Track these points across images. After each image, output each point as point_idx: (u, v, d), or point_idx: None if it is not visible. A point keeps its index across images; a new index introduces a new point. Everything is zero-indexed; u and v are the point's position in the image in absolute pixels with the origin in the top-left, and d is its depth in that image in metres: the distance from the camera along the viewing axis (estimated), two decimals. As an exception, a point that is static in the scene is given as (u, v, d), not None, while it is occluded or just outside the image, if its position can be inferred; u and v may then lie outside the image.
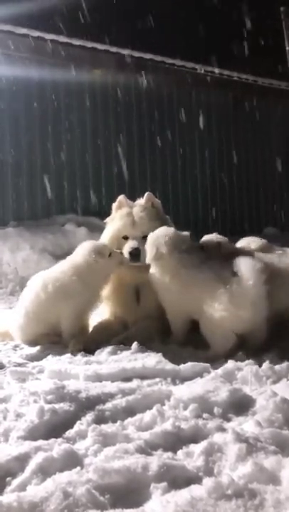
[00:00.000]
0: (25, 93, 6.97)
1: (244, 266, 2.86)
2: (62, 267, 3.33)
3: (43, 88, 7.15)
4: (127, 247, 3.27)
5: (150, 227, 3.27)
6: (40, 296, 3.23)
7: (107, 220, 3.51)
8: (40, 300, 3.23)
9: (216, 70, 9.06)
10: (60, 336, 3.27)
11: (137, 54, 8.09)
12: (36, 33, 7.01)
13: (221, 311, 2.83)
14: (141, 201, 3.50)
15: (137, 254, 3.23)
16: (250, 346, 2.90)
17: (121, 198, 3.47)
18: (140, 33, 8.16)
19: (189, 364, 2.63)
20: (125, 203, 3.45)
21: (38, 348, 3.15)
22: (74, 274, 3.22)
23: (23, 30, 6.92)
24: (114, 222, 3.40)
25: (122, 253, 3.29)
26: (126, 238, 3.33)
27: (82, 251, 3.30)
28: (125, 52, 7.96)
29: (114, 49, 7.84)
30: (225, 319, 2.83)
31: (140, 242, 3.26)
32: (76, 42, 7.42)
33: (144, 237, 3.24)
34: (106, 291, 3.37)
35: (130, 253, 3.24)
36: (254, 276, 2.80)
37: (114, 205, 3.48)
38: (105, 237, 3.43)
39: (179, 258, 3.07)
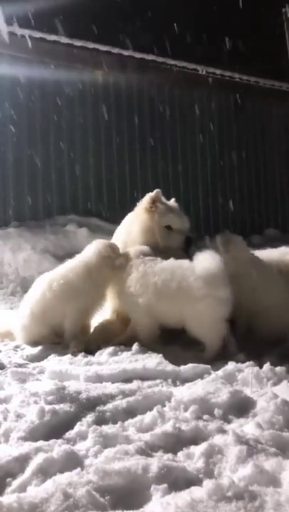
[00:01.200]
0: (26, 94, 6.98)
1: (201, 255, 2.99)
2: (72, 266, 3.34)
3: (44, 89, 7.15)
4: (181, 236, 3.53)
5: (188, 225, 3.68)
6: (46, 295, 3.23)
7: (140, 208, 3.62)
8: (46, 300, 3.23)
9: (218, 71, 9.06)
10: (61, 336, 3.28)
11: (138, 55, 8.09)
12: (38, 34, 7.02)
13: (202, 298, 2.87)
14: (172, 202, 3.80)
15: (191, 241, 3.55)
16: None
17: (159, 191, 3.67)
18: (142, 34, 8.16)
19: (190, 365, 2.63)
20: (161, 197, 3.67)
21: (38, 348, 3.15)
22: (84, 272, 3.24)
23: (25, 31, 6.92)
24: (162, 212, 3.58)
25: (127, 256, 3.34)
26: (168, 228, 3.56)
27: (95, 249, 3.33)
28: (127, 53, 7.97)
29: (115, 50, 7.84)
30: (211, 305, 2.86)
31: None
32: (77, 43, 7.42)
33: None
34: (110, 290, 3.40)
35: (187, 239, 3.53)
36: (218, 260, 2.92)
37: (152, 196, 3.62)
38: (145, 224, 3.54)
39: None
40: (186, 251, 3.51)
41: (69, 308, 3.22)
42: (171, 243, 3.52)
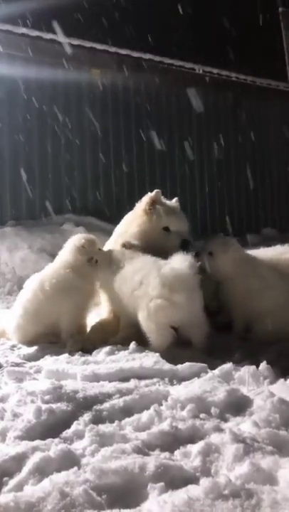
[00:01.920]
0: (23, 93, 6.96)
1: (177, 256, 3.00)
2: (58, 264, 3.37)
3: (41, 88, 7.14)
4: (178, 239, 3.50)
5: (187, 225, 3.66)
6: (38, 295, 3.23)
7: (139, 209, 3.61)
8: (38, 300, 3.23)
9: (215, 71, 9.07)
10: (58, 335, 3.28)
11: (135, 54, 8.09)
12: (35, 33, 7.01)
13: (155, 298, 2.85)
14: (172, 202, 3.77)
15: (188, 243, 3.50)
16: (194, 343, 2.95)
17: (159, 192, 3.64)
18: (139, 33, 8.15)
19: (187, 364, 2.63)
20: (160, 198, 3.64)
21: (35, 348, 3.15)
22: (68, 268, 3.29)
23: (22, 30, 6.91)
24: (159, 213, 3.55)
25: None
26: (166, 230, 3.54)
27: (71, 242, 3.42)
28: (124, 52, 7.96)
29: (112, 49, 7.84)
30: (160, 307, 2.83)
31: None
32: (74, 42, 7.41)
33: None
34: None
35: (184, 242, 3.47)
36: (187, 264, 2.90)
37: (151, 197, 3.59)
38: (143, 225, 3.53)
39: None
40: (185, 250, 3.48)
41: (63, 307, 3.22)
42: (169, 244, 3.47)
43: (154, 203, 3.58)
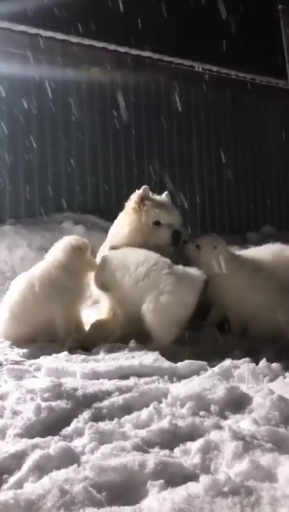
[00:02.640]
0: (22, 91, 6.95)
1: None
2: (49, 264, 3.36)
3: (40, 86, 7.12)
4: (169, 230, 3.45)
5: (178, 218, 3.61)
6: (27, 297, 3.22)
7: (129, 207, 3.59)
8: (28, 301, 3.22)
9: (214, 68, 9.05)
10: (55, 334, 3.28)
11: (134, 52, 8.07)
12: (33, 30, 6.99)
13: (167, 293, 2.91)
14: (162, 197, 3.74)
15: (179, 236, 3.46)
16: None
17: (147, 188, 3.61)
18: (138, 31, 8.13)
19: (186, 362, 2.63)
20: (149, 194, 3.62)
21: (35, 346, 3.15)
22: (62, 268, 3.29)
23: (21, 28, 6.89)
24: (148, 209, 3.52)
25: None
26: (157, 224, 3.50)
27: (66, 243, 3.43)
28: (123, 50, 7.94)
29: (111, 47, 7.82)
30: (171, 303, 2.90)
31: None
32: (73, 39, 7.39)
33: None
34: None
35: (174, 235, 3.44)
36: (198, 271, 3.02)
37: (139, 194, 3.57)
38: (133, 223, 3.51)
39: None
40: (176, 245, 3.44)
41: (55, 307, 3.22)
42: (160, 238, 3.44)
43: (142, 199, 3.55)
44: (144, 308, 2.95)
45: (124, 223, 3.57)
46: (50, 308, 3.22)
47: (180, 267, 3.06)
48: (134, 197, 3.58)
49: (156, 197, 3.70)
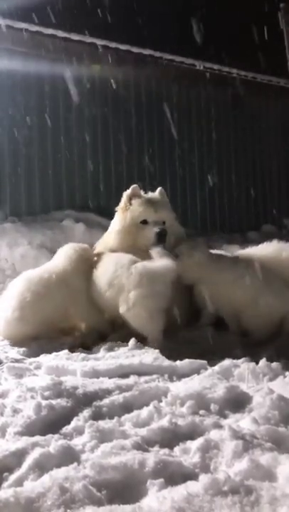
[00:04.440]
0: (23, 88, 6.94)
1: (156, 252, 3.12)
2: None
3: (41, 83, 7.12)
4: (154, 229, 3.37)
5: (169, 215, 3.51)
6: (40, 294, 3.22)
7: (118, 208, 3.57)
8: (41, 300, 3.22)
9: (215, 67, 9.03)
10: (57, 332, 3.28)
11: (135, 50, 8.05)
12: (35, 28, 6.97)
13: (133, 289, 2.94)
14: (154, 193, 3.64)
15: (164, 234, 3.34)
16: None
17: (135, 187, 3.55)
18: (139, 29, 8.11)
19: (186, 361, 2.63)
20: (139, 192, 3.55)
21: (35, 344, 3.15)
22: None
23: (22, 25, 6.87)
24: (134, 208, 3.46)
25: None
26: (144, 223, 3.42)
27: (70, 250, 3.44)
28: (124, 47, 7.93)
29: (113, 44, 7.80)
30: (140, 295, 2.93)
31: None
32: (75, 37, 7.38)
33: (163, 223, 3.44)
34: None
35: (159, 233, 3.34)
36: (166, 259, 3.04)
37: (127, 194, 3.54)
38: (120, 224, 3.48)
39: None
40: (161, 244, 3.33)
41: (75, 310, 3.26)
42: (146, 238, 3.36)
43: (130, 198, 3.50)
44: (121, 311, 3.00)
45: (114, 223, 3.55)
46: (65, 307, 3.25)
47: (144, 263, 3.04)
48: (123, 197, 3.54)
49: (147, 195, 3.61)
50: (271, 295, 3.16)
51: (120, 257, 3.18)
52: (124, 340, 3.00)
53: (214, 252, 3.57)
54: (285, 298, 3.22)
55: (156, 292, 2.94)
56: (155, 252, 3.16)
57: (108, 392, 2.24)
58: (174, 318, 3.20)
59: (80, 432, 1.91)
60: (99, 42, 7.62)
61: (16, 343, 3.22)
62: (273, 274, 3.32)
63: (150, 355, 2.70)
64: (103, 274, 3.15)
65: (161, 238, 3.34)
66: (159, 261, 3.07)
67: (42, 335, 3.22)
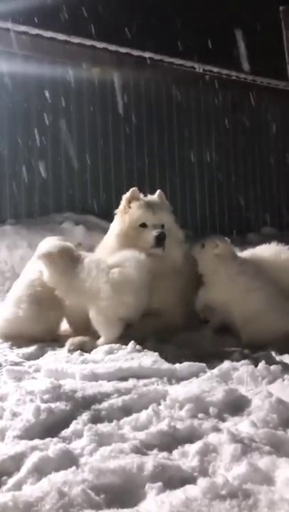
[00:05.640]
0: (23, 91, 6.96)
1: (127, 256, 3.10)
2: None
3: (41, 86, 7.14)
4: (152, 232, 3.35)
5: (168, 217, 3.50)
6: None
7: (118, 211, 3.56)
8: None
9: (215, 70, 9.06)
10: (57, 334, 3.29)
11: (135, 52, 8.08)
12: (35, 31, 7.00)
13: (106, 299, 2.99)
14: (153, 196, 3.63)
15: (163, 238, 3.33)
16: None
17: (134, 190, 3.54)
18: (139, 32, 8.14)
19: (185, 364, 2.63)
20: (138, 195, 3.53)
21: (34, 346, 3.16)
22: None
23: (22, 28, 6.90)
24: (132, 211, 3.45)
25: None
26: (143, 226, 3.41)
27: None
28: (124, 50, 7.95)
29: (113, 47, 7.82)
30: (110, 306, 2.99)
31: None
32: (75, 40, 7.40)
33: (162, 226, 3.42)
34: None
35: (157, 237, 3.33)
36: (136, 266, 3.03)
37: (126, 197, 3.53)
38: (118, 227, 3.47)
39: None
40: (160, 247, 3.34)
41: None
42: (144, 241, 3.34)
43: (129, 201, 3.48)
44: (90, 313, 3.10)
45: (113, 226, 3.55)
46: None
47: (116, 270, 3.05)
48: (122, 200, 3.53)
49: (146, 197, 3.60)
50: (276, 314, 3.16)
51: (99, 261, 3.19)
52: (123, 343, 2.99)
53: (241, 255, 3.55)
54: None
55: (123, 303, 3.01)
56: (128, 256, 3.15)
57: (107, 396, 2.23)
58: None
59: (78, 435, 1.91)
60: (99, 45, 7.64)
61: (15, 345, 3.23)
62: (280, 290, 3.32)
63: (149, 358, 2.70)
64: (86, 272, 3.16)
65: (159, 242, 3.33)
66: (132, 267, 3.07)
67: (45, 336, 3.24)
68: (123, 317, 3.07)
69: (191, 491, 1.53)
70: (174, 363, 2.66)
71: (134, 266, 3.04)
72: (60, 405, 2.10)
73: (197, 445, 1.80)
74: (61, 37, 7.29)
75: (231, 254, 3.41)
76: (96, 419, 2.04)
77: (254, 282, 3.26)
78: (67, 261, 3.17)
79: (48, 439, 1.85)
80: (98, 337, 3.14)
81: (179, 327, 3.32)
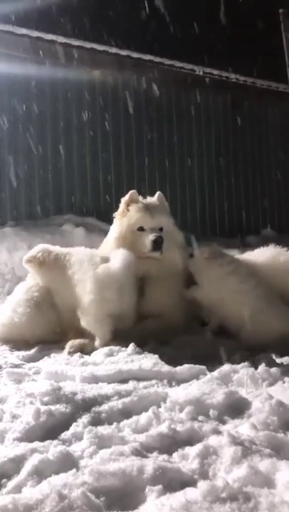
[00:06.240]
0: (23, 93, 6.96)
1: (115, 254, 3.14)
2: None
3: (41, 88, 7.14)
4: (150, 236, 3.34)
5: (166, 220, 3.48)
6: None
7: (117, 214, 3.56)
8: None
9: (215, 72, 9.07)
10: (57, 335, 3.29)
11: (135, 55, 8.09)
12: (35, 34, 7.01)
13: (89, 293, 3.02)
14: (152, 198, 3.62)
15: (161, 241, 3.32)
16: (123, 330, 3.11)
17: (133, 192, 3.53)
18: (139, 34, 8.15)
19: (186, 366, 2.63)
20: (137, 198, 3.52)
21: (34, 349, 3.16)
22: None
23: (23, 31, 6.91)
24: (130, 215, 3.45)
25: None
26: (141, 230, 3.40)
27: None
28: (124, 53, 7.96)
29: (113, 50, 7.83)
30: (93, 302, 3.02)
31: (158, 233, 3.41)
32: (75, 42, 7.41)
33: (160, 229, 3.42)
34: None
35: (155, 241, 3.32)
36: (121, 262, 3.06)
37: (125, 200, 3.53)
38: (117, 230, 3.47)
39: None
40: (158, 251, 3.33)
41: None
42: (142, 245, 3.34)
43: (128, 204, 3.48)
44: (79, 314, 3.12)
45: (112, 230, 3.55)
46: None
47: (102, 266, 3.10)
48: (121, 203, 3.53)
49: (146, 200, 3.59)
50: (271, 315, 3.16)
51: (92, 256, 3.23)
52: (123, 345, 2.99)
53: (236, 257, 3.57)
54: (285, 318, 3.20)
55: (106, 298, 3.03)
56: (116, 253, 3.19)
57: (107, 398, 2.23)
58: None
59: (78, 437, 1.91)
60: (99, 47, 7.65)
61: (15, 348, 3.22)
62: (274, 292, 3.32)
63: (149, 361, 2.69)
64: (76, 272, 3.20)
65: (157, 245, 3.32)
66: (117, 263, 3.10)
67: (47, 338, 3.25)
68: (108, 313, 3.06)
69: (192, 493, 1.52)
70: (174, 365, 2.65)
71: (119, 262, 3.07)
72: (60, 408, 2.10)
73: (197, 447, 1.79)
74: (61, 39, 7.29)
75: (219, 254, 3.41)
76: (96, 422, 2.04)
77: (245, 283, 3.25)
78: (51, 260, 3.29)
79: (47, 442, 1.85)
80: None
81: (178, 329, 3.31)
